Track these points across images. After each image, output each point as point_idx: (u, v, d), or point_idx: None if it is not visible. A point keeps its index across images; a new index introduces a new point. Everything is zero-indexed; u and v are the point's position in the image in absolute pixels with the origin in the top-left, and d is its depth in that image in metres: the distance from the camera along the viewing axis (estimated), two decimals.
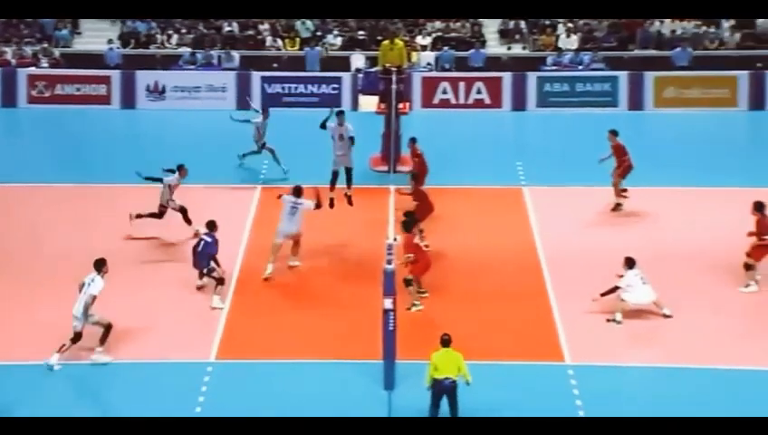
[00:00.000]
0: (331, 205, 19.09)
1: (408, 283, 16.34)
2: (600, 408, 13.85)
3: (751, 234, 16.86)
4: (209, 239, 16.91)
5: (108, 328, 14.94)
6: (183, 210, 19.06)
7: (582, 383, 14.49)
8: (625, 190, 20.29)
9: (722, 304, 16.65)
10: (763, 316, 16.35)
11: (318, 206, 17.89)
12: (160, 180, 18.99)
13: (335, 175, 19.54)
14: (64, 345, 14.73)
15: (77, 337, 14.80)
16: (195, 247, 17.07)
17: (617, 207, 20.20)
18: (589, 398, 14.15)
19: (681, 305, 16.41)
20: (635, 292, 15.90)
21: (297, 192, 17.93)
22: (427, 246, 17.41)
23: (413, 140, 20.93)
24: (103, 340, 14.94)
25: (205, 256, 16.85)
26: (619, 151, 20.33)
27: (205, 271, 16.94)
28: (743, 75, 27.14)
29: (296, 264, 18.00)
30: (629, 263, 16.08)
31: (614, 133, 20.51)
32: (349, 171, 19.51)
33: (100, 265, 15.00)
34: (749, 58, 28.75)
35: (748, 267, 16.91)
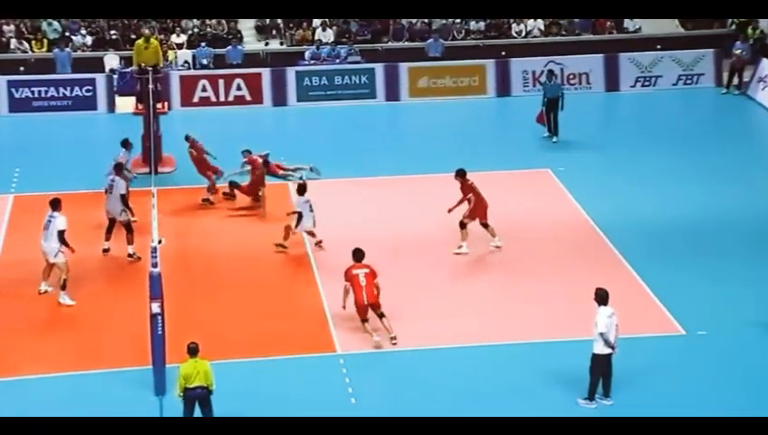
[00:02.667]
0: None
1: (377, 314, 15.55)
2: (372, 395, 14.22)
3: (451, 209, 18.13)
4: None
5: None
6: None
7: (353, 372, 14.76)
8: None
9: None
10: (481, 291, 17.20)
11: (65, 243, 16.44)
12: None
13: None
14: None
15: None
16: None
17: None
18: (360, 386, 14.44)
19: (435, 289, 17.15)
20: (304, 219, 17.86)
21: (52, 205, 16.72)
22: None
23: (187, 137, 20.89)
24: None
25: None
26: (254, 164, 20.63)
27: None
28: (489, 63, 28.48)
29: (47, 289, 16.69)
30: (300, 189, 18.00)
31: (248, 151, 20.79)
32: None
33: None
34: (495, 47, 30.22)
35: (463, 226, 18.13)
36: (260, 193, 20.13)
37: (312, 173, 21.64)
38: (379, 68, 28.14)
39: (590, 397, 13.93)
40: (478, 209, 18.22)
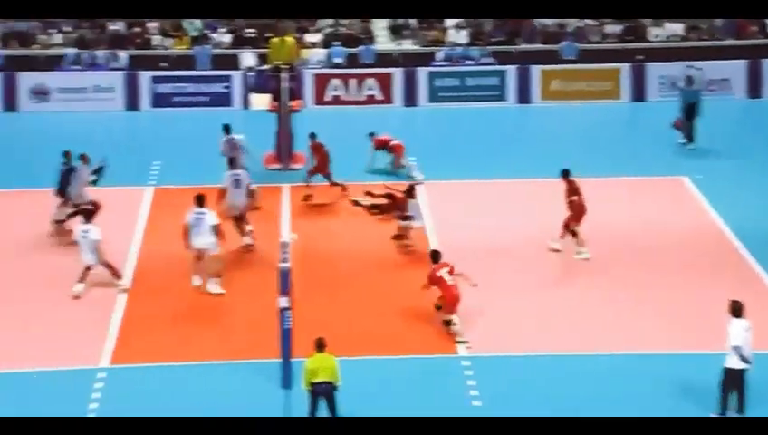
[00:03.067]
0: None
1: (447, 323, 15.67)
2: (498, 399, 14.06)
3: (568, 206, 17.98)
4: None
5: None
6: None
7: (479, 375, 14.61)
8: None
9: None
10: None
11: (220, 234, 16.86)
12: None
13: None
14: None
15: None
16: None
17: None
18: (485, 390, 14.29)
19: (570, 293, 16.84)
20: (417, 218, 18.81)
21: (199, 201, 17.09)
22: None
23: (312, 136, 20.99)
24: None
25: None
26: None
27: None
28: (625, 67, 27.90)
29: (198, 284, 16.99)
30: (410, 193, 18.79)
31: (373, 134, 21.89)
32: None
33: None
34: (631, 51, 29.57)
35: (574, 234, 17.94)
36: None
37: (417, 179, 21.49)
38: (511, 70, 27.93)
39: (722, 412, 13.45)
40: (581, 213, 17.95)
